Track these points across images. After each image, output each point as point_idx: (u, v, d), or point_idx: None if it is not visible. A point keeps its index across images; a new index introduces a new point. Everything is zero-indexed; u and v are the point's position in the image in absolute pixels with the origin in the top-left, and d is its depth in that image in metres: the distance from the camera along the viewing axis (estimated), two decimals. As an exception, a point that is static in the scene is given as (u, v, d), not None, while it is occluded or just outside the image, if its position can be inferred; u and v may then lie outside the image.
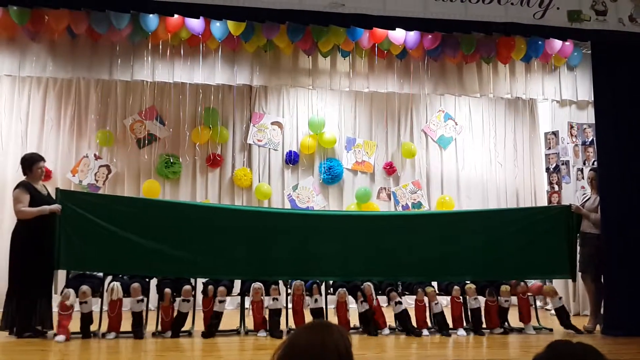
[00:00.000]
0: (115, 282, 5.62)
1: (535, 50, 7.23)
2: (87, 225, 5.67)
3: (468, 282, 6.13)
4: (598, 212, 6.24)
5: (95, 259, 5.72)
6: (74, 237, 5.63)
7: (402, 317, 5.90)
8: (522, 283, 6.19)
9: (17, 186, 5.69)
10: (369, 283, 5.95)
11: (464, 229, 6.35)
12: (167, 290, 5.69)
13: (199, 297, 6.42)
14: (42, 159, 5.92)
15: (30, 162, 5.78)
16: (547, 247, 6.25)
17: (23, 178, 5.82)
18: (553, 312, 6.57)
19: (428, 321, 6.03)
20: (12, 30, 6.66)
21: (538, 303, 6.91)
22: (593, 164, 7.50)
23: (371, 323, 5.85)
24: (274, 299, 5.77)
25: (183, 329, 5.72)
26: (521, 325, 6.16)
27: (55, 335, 5.40)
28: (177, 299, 5.74)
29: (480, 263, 6.19)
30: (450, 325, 5.99)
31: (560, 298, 6.24)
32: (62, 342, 5.23)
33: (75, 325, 5.50)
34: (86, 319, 5.51)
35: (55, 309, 5.66)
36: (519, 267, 6.24)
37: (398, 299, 5.93)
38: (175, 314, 5.69)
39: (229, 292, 5.92)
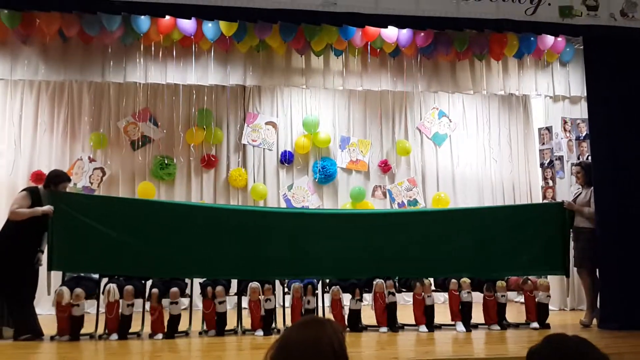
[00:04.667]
0: (111, 284, 5.60)
1: (528, 46, 7.25)
2: (79, 226, 5.65)
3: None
4: (590, 205, 6.25)
5: (88, 260, 5.70)
6: (67, 238, 5.60)
7: (390, 310, 5.91)
8: (529, 281, 6.18)
9: (25, 189, 5.76)
10: (381, 280, 5.94)
11: (457, 226, 6.35)
12: (155, 290, 5.67)
13: (196, 298, 6.43)
14: (70, 180, 6.00)
15: (59, 180, 5.78)
16: (541, 244, 6.25)
17: (24, 185, 5.84)
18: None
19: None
20: (3, 33, 6.64)
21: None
22: (587, 158, 7.51)
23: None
24: (266, 299, 5.76)
25: (179, 329, 5.71)
26: (518, 321, 6.17)
27: (58, 336, 5.42)
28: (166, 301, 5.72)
29: (473, 261, 6.18)
30: (450, 321, 6.01)
31: (548, 296, 6.20)
32: (64, 342, 5.27)
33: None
34: (76, 322, 5.45)
35: (48, 312, 5.66)
36: (513, 264, 6.23)
37: (392, 289, 5.94)
38: (167, 315, 5.67)
39: (226, 292, 5.91)
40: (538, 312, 6.11)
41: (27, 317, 5.46)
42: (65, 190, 5.88)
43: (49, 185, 5.73)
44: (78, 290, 5.50)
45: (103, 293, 5.65)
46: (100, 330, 5.64)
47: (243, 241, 5.98)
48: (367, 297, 7.19)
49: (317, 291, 6.02)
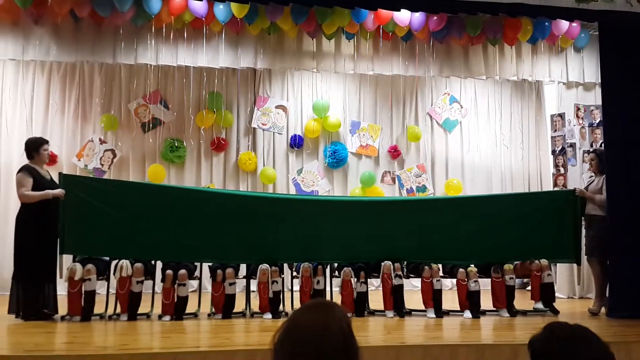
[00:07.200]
0: (124, 260, 5.64)
1: (542, 31, 7.17)
2: (90, 209, 5.67)
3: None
4: (602, 193, 6.20)
5: (99, 243, 5.72)
6: (78, 221, 5.63)
7: (396, 293, 5.92)
8: (536, 261, 6.15)
9: (20, 170, 5.70)
10: (389, 262, 5.94)
11: (467, 213, 6.32)
12: (169, 272, 5.71)
13: (205, 280, 6.46)
14: (46, 141, 5.91)
15: (36, 145, 5.77)
16: (552, 232, 6.21)
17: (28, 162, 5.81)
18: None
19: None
20: (16, 13, 6.64)
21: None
22: (600, 146, 7.44)
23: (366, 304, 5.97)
24: (273, 281, 5.78)
25: (188, 311, 5.75)
26: (526, 308, 6.17)
27: (69, 316, 5.46)
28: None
29: (483, 247, 6.16)
30: (458, 308, 6.01)
31: (549, 274, 6.20)
32: (74, 322, 5.33)
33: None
34: (88, 298, 5.49)
35: (61, 292, 5.71)
36: (523, 251, 6.21)
37: (399, 272, 5.96)
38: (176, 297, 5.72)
39: (235, 274, 5.94)
40: (545, 293, 6.11)
41: (37, 299, 5.50)
42: (48, 152, 5.85)
43: (32, 155, 5.73)
44: (89, 265, 5.55)
45: (114, 273, 5.68)
46: (110, 310, 5.69)
47: (253, 226, 5.99)
48: (375, 282, 7.22)
49: (326, 272, 6.04)
